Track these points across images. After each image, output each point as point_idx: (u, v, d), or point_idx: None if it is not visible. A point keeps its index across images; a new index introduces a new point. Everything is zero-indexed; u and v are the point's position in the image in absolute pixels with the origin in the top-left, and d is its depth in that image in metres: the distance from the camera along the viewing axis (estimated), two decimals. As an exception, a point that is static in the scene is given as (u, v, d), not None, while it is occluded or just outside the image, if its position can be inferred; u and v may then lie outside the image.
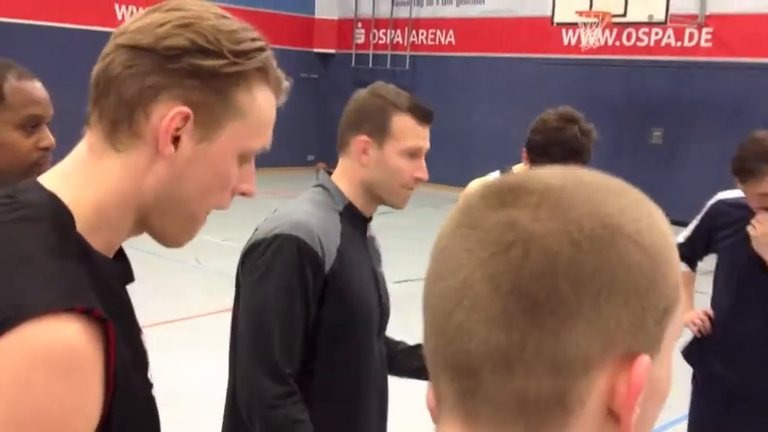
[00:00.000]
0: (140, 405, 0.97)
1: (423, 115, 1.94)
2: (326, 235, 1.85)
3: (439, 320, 0.60)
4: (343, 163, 1.96)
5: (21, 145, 1.82)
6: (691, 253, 3.15)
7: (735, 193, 2.96)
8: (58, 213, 0.92)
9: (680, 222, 9.87)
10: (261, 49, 1.00)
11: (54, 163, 1.06)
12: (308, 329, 1.83)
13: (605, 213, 0.57)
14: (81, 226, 0.93)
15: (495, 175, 2.73)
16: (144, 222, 1.01)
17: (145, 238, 1.08)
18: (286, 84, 1.05)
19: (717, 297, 3.06)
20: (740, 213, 2.92)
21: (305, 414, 1.79)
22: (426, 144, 1.97)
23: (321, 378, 1.88)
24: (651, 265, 0.58)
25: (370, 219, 2.01)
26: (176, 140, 0.96)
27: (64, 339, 0.83)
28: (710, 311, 3.07)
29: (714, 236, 3.06)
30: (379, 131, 1.91)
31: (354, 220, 1.95)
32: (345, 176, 1.95)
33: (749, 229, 2.83)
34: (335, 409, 1.89)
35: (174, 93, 0.95)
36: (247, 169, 1.05)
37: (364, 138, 1.91)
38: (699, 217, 3.14)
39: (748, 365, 2.95)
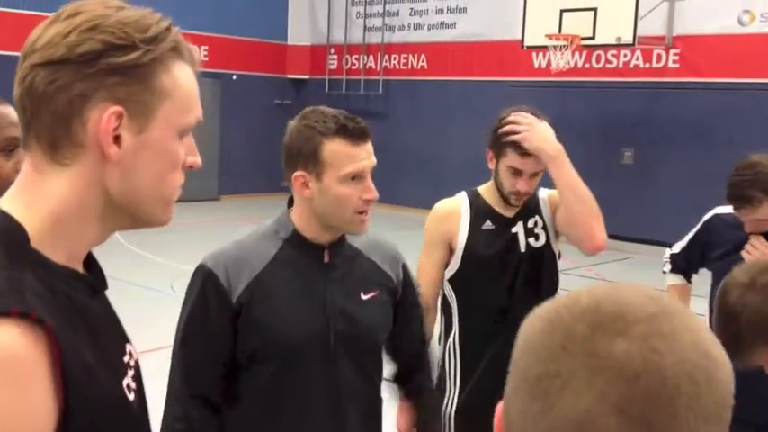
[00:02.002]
0: (110, 407, 0.97)
1: (354, 136, 1.84)
2: (241, 264, 1.87)
3: None
4: (294, 196, 1.95)
5: (1, 168, 1.81)
6: (685, 265, 3.11)
7: (731, 209, 2.85)
8: (9, 230, 0.95)
9: (654, 242, 10.03)
10: (168, 29, 1.03)
11: None
12: (221, 355, 1.87)
13: (703, 340, 0.64)
14: (36, 241, 0.95)
15: (462, 197, 2.73)
16: (119, 221, 1.04)
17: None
18: (197, 54, 1.08)
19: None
20: (732, 234, 2.83)
21: None
22: (367, 163, 1.87)
23: (245, 403, 1.90)
24: (732, 385, 0.65)
25: (331, 244, 1.94)
26: (117, 139, 0.98)
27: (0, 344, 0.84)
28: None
29: (708, 251, 2.98)
30: (313, 163, 1.84)
31: (303, 247, 1.91)
32: (296, 209, 1.94)
33: (743, 254, 2.77)
34: None
35: (102, 95, 0.97)
36: (188, 142, 1.07)
37: (300, 173, 1.86)
38: (695, 229, 3.07)
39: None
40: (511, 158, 2.56)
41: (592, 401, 0.60)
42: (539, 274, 2.65)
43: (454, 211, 2.68)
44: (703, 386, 0.61)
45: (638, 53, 11.83)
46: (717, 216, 2.98)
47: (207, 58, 12.96)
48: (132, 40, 0.98)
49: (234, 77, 14.42)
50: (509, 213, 2.66)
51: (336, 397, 1.93)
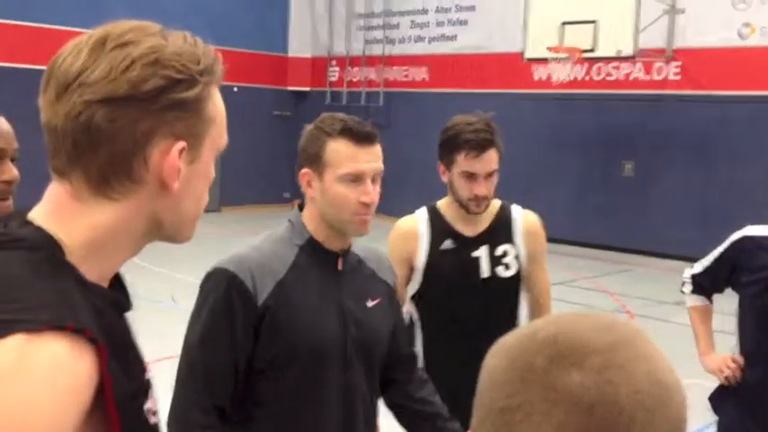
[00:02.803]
0: None
1: (357, 137, 1.86)
2: (265, 268, 1.86)
3: None
4: (306, 199, 1.97)
5: None
6: (708, 284, 2.96)
7: (764, 230, 2.75)
8: (49, 244, 0.93)
9: (654, 253, 9.99)
10: (214, 59, 1.02)
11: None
12: (240, 361, 1.84)
13: (657, 368, 0.67)
14: (71, 258, 0.94)
15: (421, 214, 2.71)
16: (153, 239, 1.05)
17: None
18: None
19: (746, 344, 2.79)
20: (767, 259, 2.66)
21: None
22: (368, 166, 1.87)
23: (262, 411, 1.88)
24: (685, 407, 0.68)
25: (343, 251, 1.96)
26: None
27: (51, 355, 0.83)
28: (739, 358, 2.80)
29: (737, 275, 2.80)
30: (317, 162, 1.88)
31: (318, 254, 1.93)
32: (307, 212, 1.96)
33: None
34: None
35: (164, 131, 0.96)
36: None
37: (305, 170, 1.90)
38: (720, 249, 2.88)
39: None
40: (462, 163, 2.54)
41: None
42: (502, 303, 2.62)
43: (412, 230, 2.67)
44: (657, 413, 0.64)
45: (638, 65, 11.87)
46: (748, 238, 2.78)
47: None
48: (190, 73, 0.97)
49: (235, 89, 14.45)
50: (470, 232, 2.64)
51: (350, 404, 1.94)
